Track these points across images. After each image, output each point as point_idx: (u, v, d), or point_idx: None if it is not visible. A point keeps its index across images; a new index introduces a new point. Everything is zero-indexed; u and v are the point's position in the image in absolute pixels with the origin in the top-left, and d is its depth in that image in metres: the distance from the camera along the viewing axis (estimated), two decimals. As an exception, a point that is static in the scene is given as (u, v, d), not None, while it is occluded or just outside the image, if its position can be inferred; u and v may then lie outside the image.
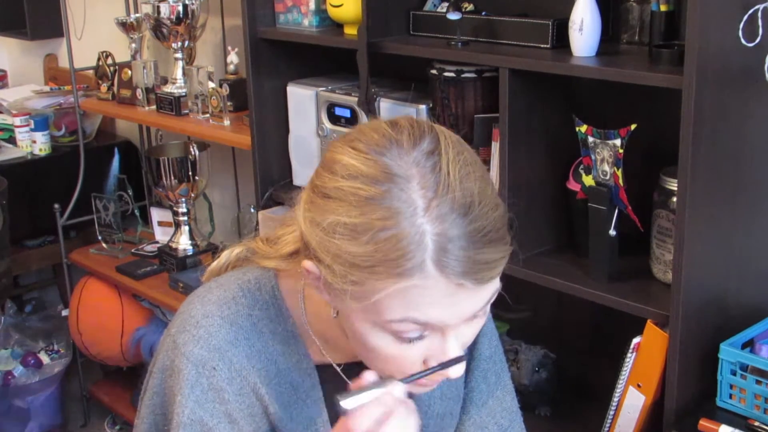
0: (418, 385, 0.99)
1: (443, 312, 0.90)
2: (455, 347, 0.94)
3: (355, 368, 1.07)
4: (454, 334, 0.93)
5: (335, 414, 1.00)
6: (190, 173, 2.74)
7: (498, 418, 1.25)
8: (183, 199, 2.80)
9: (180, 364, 1.04)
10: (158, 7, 2.68)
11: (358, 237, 0.88)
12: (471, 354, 1.20)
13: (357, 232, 0.88)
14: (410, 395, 1.12)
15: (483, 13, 1.90)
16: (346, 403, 0.91)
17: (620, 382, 1.63)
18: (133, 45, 3.03)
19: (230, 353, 1.03)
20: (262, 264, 1.10)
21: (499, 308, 2.33)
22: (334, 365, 1.10)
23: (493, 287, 0.93)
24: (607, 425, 1.67)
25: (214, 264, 1.18)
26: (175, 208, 2.84)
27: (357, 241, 0.88)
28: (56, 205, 3.03)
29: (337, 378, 1.09)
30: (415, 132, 0.92)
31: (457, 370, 0.95)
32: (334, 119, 2.15)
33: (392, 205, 0.86)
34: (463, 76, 1.85)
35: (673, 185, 1.58)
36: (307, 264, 0.95)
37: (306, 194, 0.96)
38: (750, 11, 1.44)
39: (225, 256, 1.17)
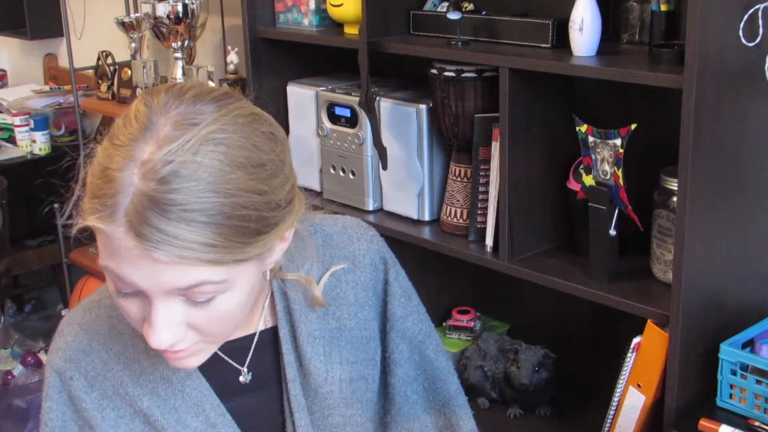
0: (179, 358, 0.97)
1: (136, 274, 0.88)
2: (159, 317, 0.91)
3: (231, 345, 1.08)
4: (161, 303, 0.90)
5: (225, 394, 1.07)
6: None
7: (433, 379, 1.23)
8: (183, 199, 2.79)
9: (47, 371, 1.08)
10: (158, 6, 2.68)
11: (91, 169, 0.91)
12: (384, 317, 1.19)
13: (93, 167, 0.91)
14: (307, 367, 1.11)
15: (483, 13, 1.90)
16: None
17: (620, 382, 1.63)
18: (133, 45, 3.03)
19: (84, 362, 1.06)
20: None
21: (499, 308, 2.34)
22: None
23: (196, 274, 0.89)
24: (607, 425, 1.67)
25: None
26: (175, 208, 2.83)
27: (88, 173, 0.91)
28: (56, 205, 3.03)
29: (216, 361, 1.06)
30: (204, 98, 0.93)
31: (155, 340, 0.92)
32: (334, 119, 2.15)
33: (123, 148, 0.88)
34: (463, 75, 1.85)
35: (673, 185, 1.58)
36: None
37: None
38: (750, 11, 1.44)
39: None
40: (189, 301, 0.91)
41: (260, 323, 1.11)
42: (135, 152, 0.87)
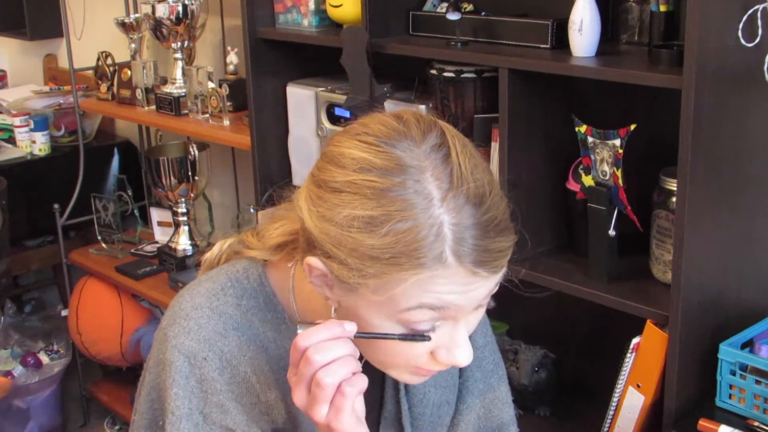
0: (416, 374, 1.00)
1: (458, 298, 0.91)
2: (464, 335, 0.96)
3: None
4: (464, 322, 0.95)
5: None
6: (190, 173, 2.74)
7: (490, 407, 1.25)
8: (182, 199, 2.80)
9: (171, 356, 1.04)
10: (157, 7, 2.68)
11: (376, 229, 0.88)
12: None
13: (374, 225, 0.88)
14: (407, 387, 1.12)
15: (483, 13, 1.90)
16: (301, 327, 0.94)
17: (620, 382, 1.63)
18: (133, 45, 3.03)
19: (220, 344, 1.04)
20: (249, 255, 1.11)
21: (498, 308, 2.33)
22: None
23: (499, 276, 0.95)
24: (607, 425, 1.67)
25: (208, 254, 1.19)
26: (174, 208, 2.84)
27: (375, 234, 0.88)
28: (56, 205, 3.03)
29: None
30: (421, 125, 0.93)
31: (466, 357, 0.96)
32: (334, 119, 2.15)
33: (409, 196, 0.87)
34: (462, 76, 1.86)
35: (672, 185, 1.58)
36: (311, 260, 0.95)
37: (308, 190, 0.96)
38: (750, 11, 1.44)
39: (218, 247, 1.18)
40: (473, 309, 0.96)
41: None
42: (423, 192, 0.87)
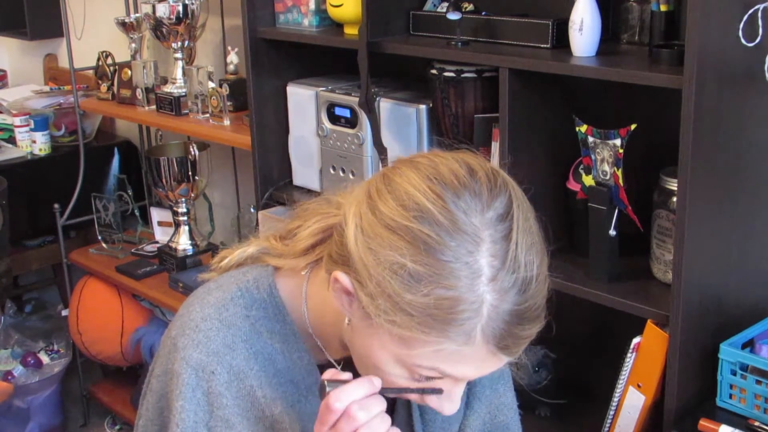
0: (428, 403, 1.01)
1: (469, 371, 0.93)
2: (460, 393, 0.98)
3: (353, 365, 1.08)
4: (464, 385, 0.98)
5: None
6: (190, 173, 2.74)
7: (496, 412, 1.26)
8: (183, 199, 2.80)
9: (179, 368, 1.04)
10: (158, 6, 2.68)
11: (417, 286, 0.87)
12: None
13: (417, 281, 0.87)
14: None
15: (483, 13, 1.90)
16: (330, 386, 0.94)
17: (620, 382, 1.63)
18: (133, 45, 3.03)
19: (228, 357, 1.03)
20: (274, 263, 1.09)
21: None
22: (333, 362, 1.10)
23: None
24: (607, 425, 1.67)
25: (225, 262, 1.16)
26: (175, 208, 2.84)
27: (415, 290, 0.87)
28: (56, 205, 3.03)
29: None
30: (492, 188, 0.91)
31: (452, 411, 0.99)
32: (334, 119, 2.15)
33: (459, 266, 0.86)
34: (463, 76, 1.85)
35: (673, 185, 1.58)
36: (340, 276, 0.94)
37: (360, 209, 0.93)
38: (750, 11, 1.44)
39: (237, 256, 1.15)
40: None
41: None
42: (474, 267, 0.86)
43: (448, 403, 0.98)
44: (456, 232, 0.87)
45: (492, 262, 0.87)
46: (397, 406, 1.16)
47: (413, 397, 0.99)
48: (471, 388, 1.23)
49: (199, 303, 1.08)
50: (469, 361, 0.91)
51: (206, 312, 1.06)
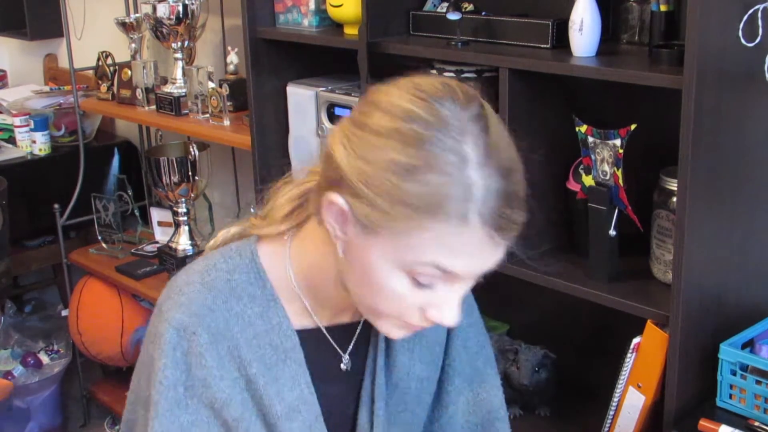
0: (401, 329, 1.04)
1: (467, 263, 0.96)
2: (458, 298, 1.00)
3: (339, 331, 1.14)
4: (463, 287, 0.99)
5: (318, 375, 1.11)
6: (190, 173, 2.74)
7: (478, 389, 1.27)
8: (183, 199, 2.80)
9: (162, 329, 1.07)
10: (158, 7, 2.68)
11: (411, 176, 0.92)
12: None
13: (412, 172, 0.92)
14: (391, 361, 1.16)
15: (483, 13, 1.90)
16: None
17: (620, 382, 1.63)
18: (133, 45, 3.03)
19: (209, 318, 1.06)
20: (256, 232, 1.14)
21: (499, 308, 2.33)
22: (322, 328, 1.14)
23: (504, 252, 0.99)
24: (607, 425, 1.67)
25: (211, 243, 1.21)
26: (175, 208, 2.84)
27: (410, 180, 0.92)
28: (56, 205, 3.03)
29: (320, 342, 1.14)
30: (467, 95, 0.98)
31: (454, 318, 1.01)
32: (334, 119, 2.15)
33: (447, 153, 0.92)
34: (463, 76, 1.85)
35: (673, 185, 1.58)
36: (334, 197, 0.97)
37: (346, 131, 0.98)
38: (750, 11, 1.44)
39: (222, 236, 1.20)
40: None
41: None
42: (461, 153, 0.92)
43: (449, 311, 1.00)
44: (442, 125, 0.93)
45: (477, 150, 0.93)
46: (365, 376, 1.17)
47: (414, 318, 1.01)
48: (450, 363, 1.24)
49: (185, 271, 1.12)
50: (467, 250, 0.94)
51: (190, 278, 1.10)
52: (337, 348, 1.15)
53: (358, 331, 1.16)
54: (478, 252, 0.95)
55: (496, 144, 0.95)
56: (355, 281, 1.02)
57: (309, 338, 1.12)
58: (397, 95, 0.97)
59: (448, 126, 0.93)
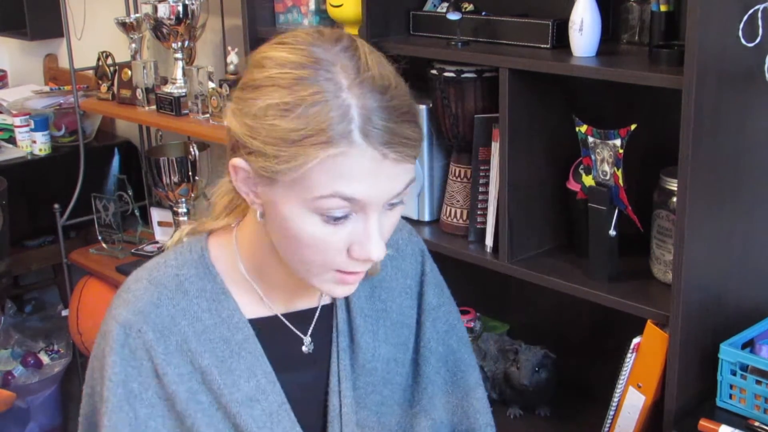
0: (340, 282, 1.04)
1: (367, 186, 0.97)
2: (376, 229, 0.99)
3: (297, 317, 1.16)
4: (376, 215, 0.99)
5: (280, 362, 1.12)
6: (190, 173, 2.74)
7: (455, 369, 1.28)
8: (183, 199, 2.80)
9: (110, 326, 1.09)
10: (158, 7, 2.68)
11: (289, 113, 0.95)
12: (419, 305, 1.26)
13: (288, 110, 0.96)
14: (357, 345, 1.17)
15: (483, 13, 1.90)
16: None
17: (620, 382, 1.63)
18: (133, 45, 3.03)
19: (153, 315, 1.08)
20: (205, 227, 1.17)
21: (499, 309, 2.33)
22: (280, 316, 1.15)
23: (409, 174, 1.00)
24: (607, 425, 1.67)
25: (169, 242, 1.23)
26: (175, 208, 2.84)
27: (288, 117, 0.95)
28: (56, 205, 3.03)
29: (278, 329, 1.15)
30: (334, 33, 1.02)
31: (377, 251, 1.00)
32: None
33: (320, 83, 0.95)
34: (463, 76, 1.86)
35: (673, 185, 1.58)
36: (235, 161, 1.02)
37: (233, 99, 1.03)
38: (750, 11, 1.44)
39: (177, 234, 1.22)
40: (387, 207, 1.01)
41: (322, 298, 1.18)
42: (333, 80, 0.95)
43: (370, 244, 1.00)
44: (313, 62, 0.97)
45: (349, 74, 0.96)
46: (331, 360, 1.18)
47: (342, 262, 1.02)
48: (425, 344, 1.25)
49: (136, 269, 1.15)
50: (362, 172, 0.95)
51: (139, 274, 1.13)
52: (296, 332, 1.16)
53: (317, 314, 1.18)
54: (375, 172, 0.96)
55: (368, 65, 0.98)
56: (279, 241, 1.04)
57: (266, 327, 1.14)
58: (268, 49, 1.01)
59: (319, 61, 0.97)
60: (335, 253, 1.01)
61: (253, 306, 1.14)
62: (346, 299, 1.19)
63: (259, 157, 0.98)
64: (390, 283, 1.23)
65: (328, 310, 1.19)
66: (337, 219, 0.98)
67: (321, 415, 1.17)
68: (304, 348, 1.16)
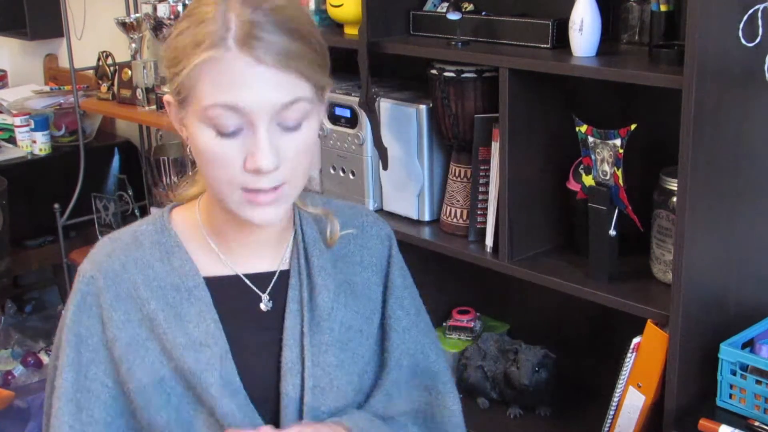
0: (251, 202, 1.07)
1: (245, 93, 1.02)
2: (265, 140, 1.04)
3: (258, 277, 1.19)
4: (263, 127, 1.04)
5: (236, 319, 1.16)
6: (190, 173, 2.73)
7: (420, 356, 1.29)
8: (183, 199, 2.79)
9: (75, 282, 1.18)
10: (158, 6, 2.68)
11: (183, 33, 1.05)
12: (385, 284, 1.28)
13: (182, 32, 1.06)
14: (313, 302, 1.20)
15: (483, 13, 1.90)
16: None
17: (620, 382, 1.63)
18: (133, 45, 3.03)
19: (105, 264, 1.16)
20: (178, 199, 1.26)
21: (499, 308, 2.33)
22: (242, 276, 1.19)
23: (295, 88, 1.05)
24: (607, 425, 1.67)
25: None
26: (175, 208, 2.83)
27: (182, 36, 1.05)
28: (56, 205, 3.03)
29: (236, 287, 1.18)
30: None
31: (266, 161, 1.04)
32: (334, 119, 2.15)
33: (211, 5, 1.04)
34: (463, 76, 1.86)
35: (673, 185, 1.58)
36: (166, 96, 1.12)
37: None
38: (750, 11, 1.44)
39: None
40: (282, 129, 1.05)
41: (283, 262, 1.21)
42: (220, 2, 1.04)
43: (259, 153, 1.04)
44: None
45: None
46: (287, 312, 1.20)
47: (243, 176, 1.06)
48: (387, 321, 1.27)
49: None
50: (240, 79, 1.02)
51: (105, 237, 1.22)
52: (255, 290, 1.19)
53: (276, 274, 1.20)
54: (251, 78, 1.02)
55: None
56: (200, 169, 1.10)
57: (225, 284, 1.18)
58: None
59: None
60: (234, 168, 1.05)
61: (213, 264, 1.18)
62: (306, 259, 1.21)
63: (171, 83, 1.07)
64: (353, 257, 1.26)
65: (286, 271, 1.22)
66: (229, 134, 1.04)
67: (275, 371, 1.19)
68: (262, 305, 1.19)
